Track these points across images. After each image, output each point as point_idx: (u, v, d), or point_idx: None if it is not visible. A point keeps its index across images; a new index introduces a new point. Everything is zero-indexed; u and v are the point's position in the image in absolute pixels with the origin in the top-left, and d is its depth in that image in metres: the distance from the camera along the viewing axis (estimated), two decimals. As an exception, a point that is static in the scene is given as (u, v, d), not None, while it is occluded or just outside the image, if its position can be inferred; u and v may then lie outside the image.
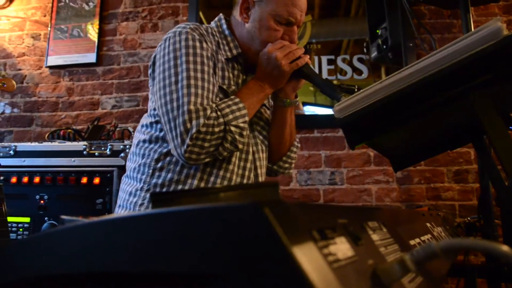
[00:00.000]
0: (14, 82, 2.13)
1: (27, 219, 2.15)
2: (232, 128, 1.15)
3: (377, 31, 2.55)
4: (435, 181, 2.60)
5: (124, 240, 0.33)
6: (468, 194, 2.55)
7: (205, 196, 0.42)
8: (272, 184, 0.42)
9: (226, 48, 1.31)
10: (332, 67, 2.85)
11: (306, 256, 0.27)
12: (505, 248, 0.33)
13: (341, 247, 0.34)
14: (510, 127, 1.33)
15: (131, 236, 0.33)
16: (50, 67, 3.09)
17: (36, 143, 2.31)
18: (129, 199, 1.26)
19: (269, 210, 0.28)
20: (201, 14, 2.97)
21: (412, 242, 0.61)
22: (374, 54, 2.58)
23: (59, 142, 2.31)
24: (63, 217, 0.51)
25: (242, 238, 0.28)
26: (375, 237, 0.45)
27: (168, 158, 1.23)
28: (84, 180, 2.13)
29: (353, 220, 0.41)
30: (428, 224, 0.89)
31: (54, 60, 3.07)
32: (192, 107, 1.12)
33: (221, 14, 1.39)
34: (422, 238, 0.71)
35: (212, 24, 1.37)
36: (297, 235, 0.28)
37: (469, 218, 1.72)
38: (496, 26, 0.70)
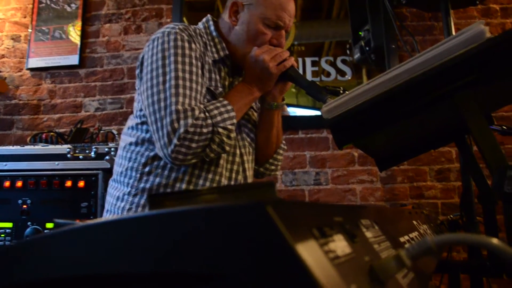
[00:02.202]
0: (6, 83, 2.08)
1: (10, 224, 2.11)
2: (220, 130, 1.15)
3: (360, 33, 2.58)
4: (418, 180, 2.64)
5: (125, 242, 0.33)
6: (450, 192, 2.60)
7: (202, 197, 0.43)
8: (268, 184, 0.43)
9: (214, 49, 1.31)
10: (316, 68, 2.88)
11: (309, 253, 0.27)
12: (495, 241, 0.35)
13: (340, 245, 0.35)
14: (491, 126, 1.36)
15: (132, 238, 0.33)
16: (31, 69, 3.04)
17: (18, 147, 2.26)
18: (117, 204, 1.25)
19: (272, 209, 0.28)
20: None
21: (401, 239, 0.63)
22: (357, 55, 2.61)
23: (41, 146, 2.27)
24: (56, 220, 0.50)
25: (245, 237, 0.28)
26: (368, 234, 0.46)
27: (155, 162, 1.22)
28: (69, 183, 2.10)
29: (348, 218, 0.42)
30: (414, 222, 0.91)
31: (35, 62, 3.02)
32: (180, 107, 1.12)
33: (208, 15, 1.39)
34: (411, 235, 0.73)
35: (200, 25, 1.37)
36: (299, 233, 0.29)
37: (451, 216, 1.75)
38: (479, 28, 0.72)
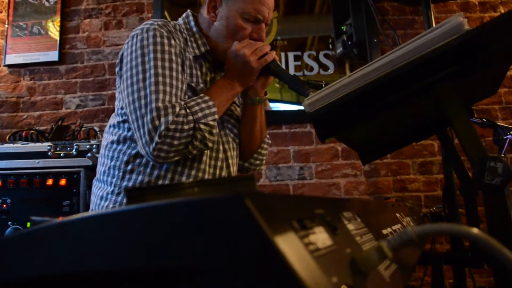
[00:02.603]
0: None
1: (-11, 224, 2.07)
2: (202, 126, 1.14)
3: (342, 27, 2.58)
4: (401, 173, 2.67)
5: (102, 237, 0.33)
6: (433, 185, 2.64)
7: (181, 191, 0.42)
8: (247, 177, 0.42)
9: (194, 45, 1.30)
10: (298, 63, 2.88)
11: (289, 246, 0.27)
12: (475, 230, 0.35)
13: (320, 237, 0.34)
14: (472, 119, 1.38)
15: (110, 234, 0.32)
16: (9, 66, 2.97)
17: (-3, 145, 2.22)
18: (101, 203, 1.23)
19: (250, 201, 0.28)
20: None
21: (384, 232, 0.63)
22: (339, 50, 2.61)
23: (21, 144, 2.23)
24: (33, 218, 0.49)
25: (224, 231, 0.27)
26: (350, 226, 0.46)
27: (138, 160, 1.21)
28: (50, 181, 2.07)
29: (329, 211, 0.42)
30: (397, 215, 0.91)
31: (13, 58, 2.96)
32: (160, 104, 1.10)
33: (189, 10, 1.38)
34: (393, 227, 0.73)
35: (180, 20, 1.35)
36: (278, 225, 0.28)
37: (434, 208, 1.78)
38: (458, 21, 0.73)
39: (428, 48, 0.75)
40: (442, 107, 0.79)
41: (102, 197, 1.23)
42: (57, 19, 2.98)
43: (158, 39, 1.18)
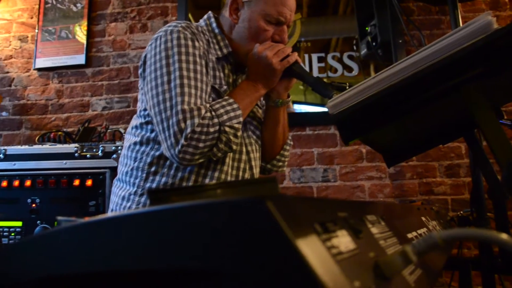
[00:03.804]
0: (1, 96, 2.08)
1: (19, 223, 2.12)
2: (227, 129, 1.14)
3: (366, 28, 2.55)
4: (427, 176, 2.62)
5: (125, 238, 0.33)
6: (460, 188, 2.58)
7: (204, 193, 0.42)
8: (270, 179, 0.42)
9: (217, 47, 1.30)
10: (322, 64, 2.86)
11: (311, 249, 0.27)
12: (504, 236, 0.34)
13: (343, 240, 0.34)
14: (501, 121, 1.34)
15: (132, 235, 0.33)
16: (39, 70, 3.06)
17: (27, 146, 2.28)
18: (122, 204, 1.24)
19: (272, 204, 0.27)
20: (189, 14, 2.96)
21: (409, 236, 0.62)
22: (363, 51, 2.58)
23: (49, 145, 2.28)
24: (59, 218, 0.50)
25: (246, 233, 0.27)
26: (374, 230, 0.45)
27: (161, 162, 1.21)
28: (76, 182, 2.11)
29: (352, 214, 0.41)
30: (423, 218, 0.90)
31: (42, 62, 3.04)
32: (186, 106, 1.10)
33: (210, 12, 1.38)
34: (419, 231, 0.71)
35: (202, 22, 1.36)
36: (300, 228, 0.28)
37: (461, 212, 1.73)
38: (486, 20, 0.71)
39: (455, 48, 0.73)
40: (469, 108, 0.77)
41: (124, 198, 1.24)
42: (84, 23, 3.05)
43: (182, 41, 1.18)
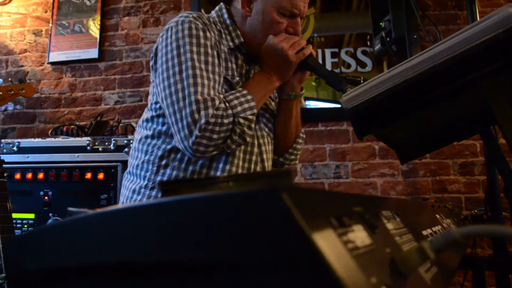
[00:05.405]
0: (33, 88, 2.09)
1: (32, 216, 2.15)
2: (241, 120, 1.12)
3: (380, 23, 2.52)
4: (441, 173, 2.58)
5: (137, 230, 0.32)
6: (474, 187, 2.54)
7: (216, 185, 0.41)
8: (285, 172, 0.41)
9: (228, 37, 1.29)
10: (336, 60, 2.84)
11: (327, 243, 0.26)
12: (527, 234, 0.33)
13: (359, 235, 0.33)
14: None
15: (144, 226, 0.32)
16: (52, 63, 3.08)
17: (40, 139, 2.30)
18: (133, 197, 1.24)
19: (287, 195, 0.27)
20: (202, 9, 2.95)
21: (424, 233, 0.60)
22: (377, 47, 2.55)
23: (62, 138, 2.30)
24: (70, 209, 0.50)
25: (260, 225, 0.27)
26: (389, 226, 0.44)
27: (172, 155, 1.21)
28: (88, 175, 2.12)
29: (368, 209, 0.40)
30: (437, 216, 0.88)
31: (56, 56, 3.06)
32: (199, 97, 1.09)
33: (221, 3, 1.36)
34: (433, 229, 0.70)
35: (213, 13, 1.35)
36: (316, 221, 0.27)
37: (476, 211, 1.71)
38: (507, 12, 0.69)
39: (473, 42, 0.71)
40: (487, 104, 0.76)
41: (135, 191, 1.24)
42: (97, 17, 3.06)
43: (194, 32, 1.17)
